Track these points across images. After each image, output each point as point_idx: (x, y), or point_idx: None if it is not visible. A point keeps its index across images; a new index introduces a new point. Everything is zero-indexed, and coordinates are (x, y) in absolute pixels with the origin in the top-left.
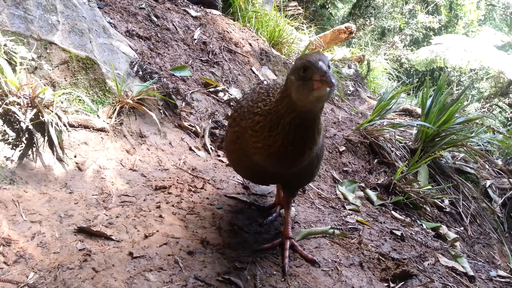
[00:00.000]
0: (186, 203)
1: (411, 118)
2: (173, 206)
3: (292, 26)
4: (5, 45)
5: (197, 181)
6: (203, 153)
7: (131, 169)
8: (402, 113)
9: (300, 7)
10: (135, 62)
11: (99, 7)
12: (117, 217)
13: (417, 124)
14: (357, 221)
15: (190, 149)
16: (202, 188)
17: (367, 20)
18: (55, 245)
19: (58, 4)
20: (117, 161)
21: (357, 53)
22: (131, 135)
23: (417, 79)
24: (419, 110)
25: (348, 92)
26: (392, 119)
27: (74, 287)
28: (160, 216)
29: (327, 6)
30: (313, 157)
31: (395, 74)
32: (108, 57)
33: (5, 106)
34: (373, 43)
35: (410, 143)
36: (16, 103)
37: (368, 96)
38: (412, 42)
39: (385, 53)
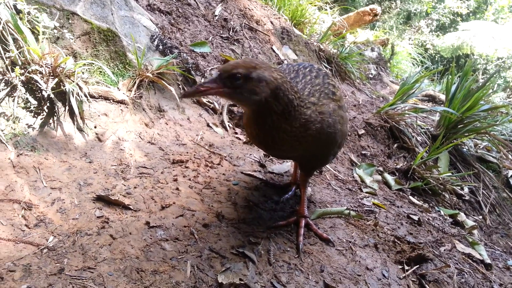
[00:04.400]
0: (203, 177)
1: (434, 104)
2: (189, 180)
3: (315, 6)
4: (28, 13)
5: (214, 157)
6: (221, 129)
7: (149, 142)
8: (425, 98)
9: None
10: (155, 36)
11: None
12: (135, 187)
13: (440, 110)
14: (373, 204)
15: (208, 125)
16: (218, 164)
17: (392, 3)
18: (74, 212)
19: None
20: (136, 134)
21: (381, 37)
22: (150, 109)
23: (442, 66)
24: (442, 97)
25: (370, 75)
26: (414, 103)
27: (92, 252)
28: (177, 188)
29: None
30: (321, 142)
31: (419, 60)
32: (129, 30)
33: (27, 74)
34: (398, 27)
35: (432, 129)
36: (38, 71)
37: (390, 81)
38: (438, 28)
39: (410, 38)
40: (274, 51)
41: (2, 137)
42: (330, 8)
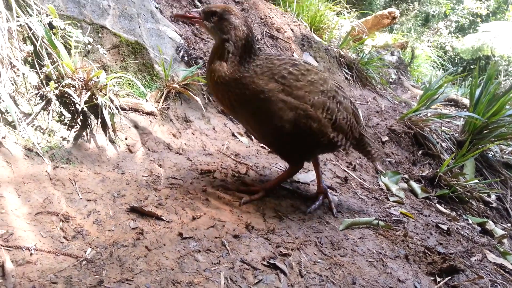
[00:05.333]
0: (230, 189)
1: (457, 108)
2: (218, 190)
3: (334, 11)
4: (61, 28)
5: (240, 166)
6: (246, 139)
7: (177, 153)
8: (447, 103)
9: None
10: (181, 47)
11: None
12: (166, 198)
13: (465, 115)
14: (401, 213)
15: (233, 134)
16: (245, 174)
17: (410, 5)
18: (109, 223)
19: None
20: (164, 145)
21: (399, 40)
22: (177, 119)
23: (462, 68)
24: (465, 101)
25: (391, 80)
26: (437, 109)
27: (129, 264)
28: (207, 199)
29: None
30: (250, 111)
31: (439, 62)
32: (156, 42)
33: (61, 88)
34: (416, 29)
35: (457, 134)
36: (71, 85)
37: (411, 85)
38: (458, 29)
39: (428, 40)
40: None
41: (39, 151)
42: (348, 13)
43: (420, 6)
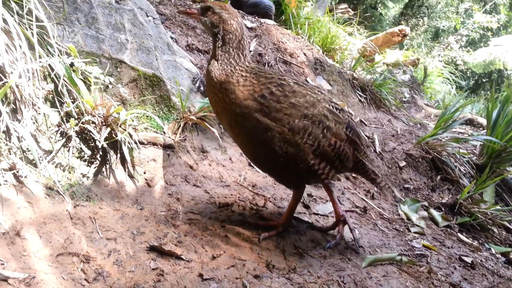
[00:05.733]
0: (248, 223)
1: (473, 127)
2: (236, 225)
3: (346, 32)
4: (81, 66)
5: (258, 198)
6: None
7: (195, 185)
8: (462, 122)
9: (350, 9)
10: (197, 78)
11: (161, 22)
12: (185, 235)
13: (482, 139)
14: (423, 245)
15: (249, 164)
16: (263, 207)
17: (420, 20)
18: (129, 264)
19: (126, 23)
20: (182, 177)
21: (410, 56)
22: (193, 150)
23: (473, 81)
24: (480, 119)
25: (404, 99)
26: (454, 129)
27: None
28: (226, 236)
29: (377, 7)
30: (232, 117)
31: (452, 79)
32: (172, 73)
33: (81, 124)
34: (427, 44)
35: (475, 157)
36: (91, 121)
37: (425, 104)
38: (468, 43)
39: (439, 55)
40: (308, 82)
41: (59, 189)
42: (358, 31)
43: (429, 21)
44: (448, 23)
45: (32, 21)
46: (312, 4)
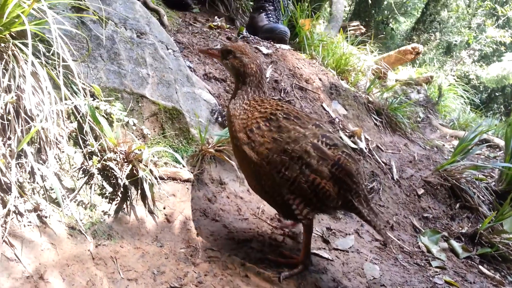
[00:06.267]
0: (268, 260)
1: (489, 148)
2: (256, 263)
3: (360, 52)
4: (108, 110)
5: (276, 232)
6: None
7: (213, 219)
8: (479, 142)
9: (362, 26)
10: (215, 109)
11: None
12: (205, 275)
13: (501, 167)
14: (445, 282)
15: None
16: (282, 242)
17: (431, 35)
18: None
19: (148, 57)
20: (200, 211)
21: (424, 73)
22: (212, 183)
23: (486, 95)
24: (497, 140)
25: (418, 119)
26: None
27: None
28: (246, 275)
29: (388, 22)
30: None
31: (466, 97)
32: (191, 105)
33: (103, 162)
34: (439, 59)
35: (493, 183)
36: (113, 158)
37: (440, 124)
38: (481, 56)
39: (451, 69)
40: (324, 108)
41: (82, 228)
42: (371, 48)
43: (441, 36)
44: (460, 37)
45: (57, 60)
46: (324, 22)
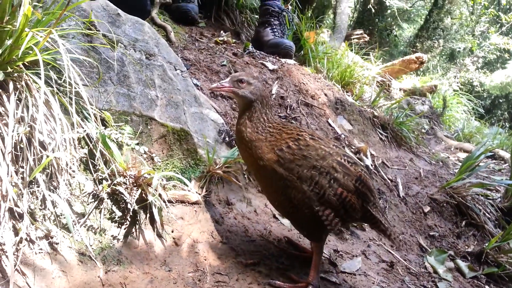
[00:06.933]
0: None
1: (494, 160)
2: None
3: (365, 62)
4: (118, 139)
5: (284, 255)
6: (287, 221)
7: (221, 242)
8: (484, 160)
9: (365, 35)
10: (222, 129)
11: (186, 68)
12: None
13: (507, 184)
14: None
15: (274, 216)
16: (290, 265)
17: (435, 42)
18: None
19: (156, 79)
20: (208, 233)
21: (428, 82)
22: (219, 203)
23: (489, 101)
24: (502, 153)
25: (423, 130)
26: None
27: None
28: None
29: (391, 29)
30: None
31: (471, 107)
32: (199, 126)
33: (113, 186)
34: (442, 66)
35: (498, 199)
36: (122, 183)
37: (444, 135)
38: (485, 63)
39: (455, 76)
40: (330, 124)
41: (91, 254)
42: (374, 56)
43: (445, 43)
44: (464, 44)
45: (68, 87)
46: (328, 31)
